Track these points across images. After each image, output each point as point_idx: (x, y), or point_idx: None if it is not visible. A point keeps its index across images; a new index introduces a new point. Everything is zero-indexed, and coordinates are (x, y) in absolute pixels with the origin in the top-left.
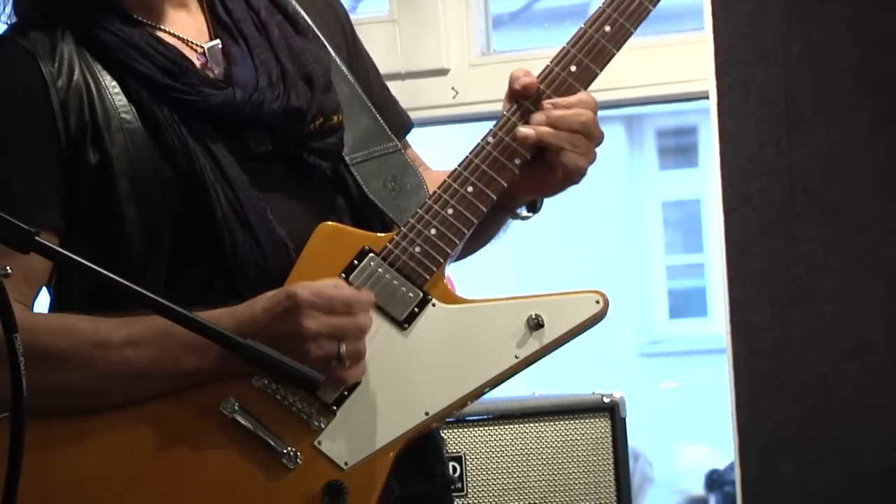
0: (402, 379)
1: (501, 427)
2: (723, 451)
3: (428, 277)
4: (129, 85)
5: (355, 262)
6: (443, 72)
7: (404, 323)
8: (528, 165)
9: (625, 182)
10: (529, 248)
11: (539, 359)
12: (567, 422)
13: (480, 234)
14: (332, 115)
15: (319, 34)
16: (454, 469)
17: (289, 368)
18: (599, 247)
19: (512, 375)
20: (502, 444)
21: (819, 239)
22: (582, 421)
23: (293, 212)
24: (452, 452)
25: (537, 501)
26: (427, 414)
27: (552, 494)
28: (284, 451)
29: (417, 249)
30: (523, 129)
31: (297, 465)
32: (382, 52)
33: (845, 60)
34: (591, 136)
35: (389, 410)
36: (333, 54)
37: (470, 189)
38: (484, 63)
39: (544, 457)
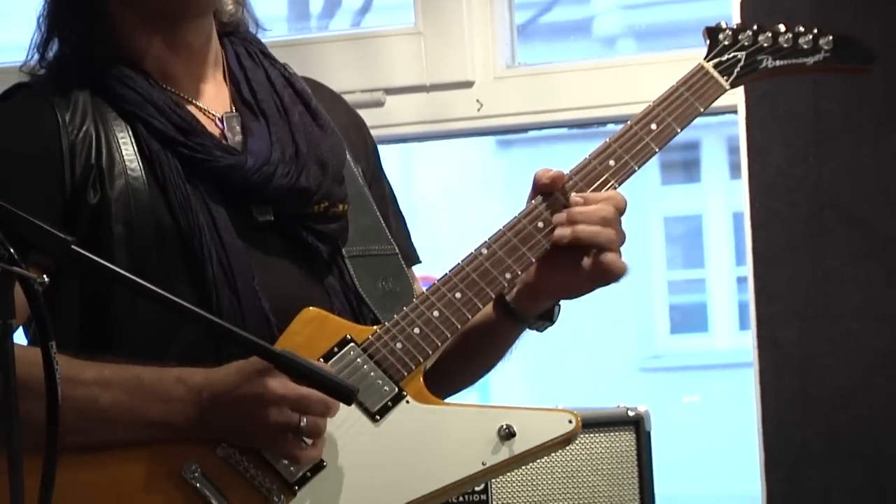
0: (367, 470)
1: None
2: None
3: (406, 374)
4: (141, 135)
5: (335, 349)
6: (467, 84)
7: (376, 415)
8: (550, 265)
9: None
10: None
11: (505, 470)
12: (592, 435)
13: (496, 348)
14: (337, 203)
15: (340, 135)
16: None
17: (324, 379)
18: None
19: (477, 482)
20: None
21: (847, 254)
22: (607, 434)
23: (284, 285)
24: None
25: None
26: None
27: None
28: None
29: (399, 346)
30: (559, 232)
31: None
32: (407, 65)
33: (874, 75)
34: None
35: (350, 498)
36: (349, 156)
37: (458, 295)
38: (509, 76)
39: (569, 470)
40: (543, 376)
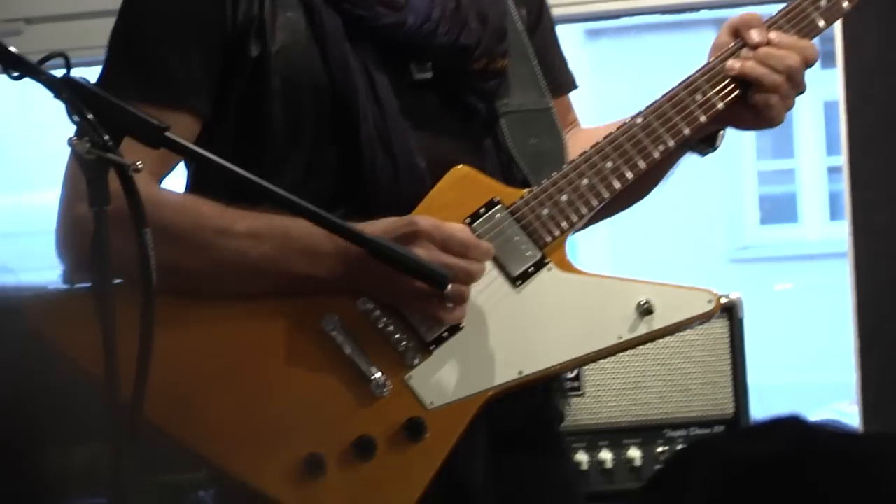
0: (503, 334)
1: None
2: (822, 362)
3: (549, 241)
4: None
5: (482, 210)
6: None
7: (517, 280)
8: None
9: None
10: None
11: (641, 344)
12: None
13: (656, 174)
14: (497, 59)
15: None
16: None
17: (416, 264)
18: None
19: (611, 355)
20: None
21: None
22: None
23: (439, 145)
24: None
25: (654, 401)
26: (520, 373)
27: (669, 395)
28: (374, 378)
29: (545, 212)
30: (730, 62)
31: (384, 394)
32: None
33: None
34: (794, 82)
35: (484, 362)
36: (510, 1)
37: (609, 164)
38: None
39: (662, 357)
40: (633, 268)
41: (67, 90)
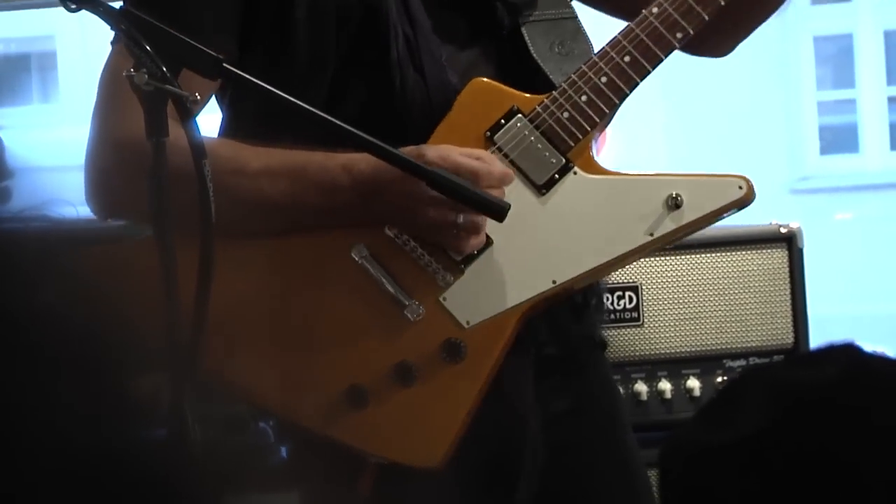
0: (533, 244)
1: (677, 257)
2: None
3: (573, 144)
4: None
5: (502, 121)
6: None
7: (543, 188)
8: None
9: (776, 15)
10: (680, 81)
11: (675, 240)
12: (743, 252)
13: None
14: None
15: None
16: (630, 299)
17: (473, 195)
18: (750, 81)
19: (644, 253)
20: (678, 274)
21: None
22: (758, 251)
23: (469, 61)
24: (628, 282)
25: (713, 331)
26: (555, 282)
27: (728, 325)
28: (408, 302)
29: (566, 115)
30: None
31: (419, 317)
32: None
33: None
34: None
35: (517, 274)
36: None
37: (627, 59)
38: None
39: (720, 287)
40: None
41: (125, 21)
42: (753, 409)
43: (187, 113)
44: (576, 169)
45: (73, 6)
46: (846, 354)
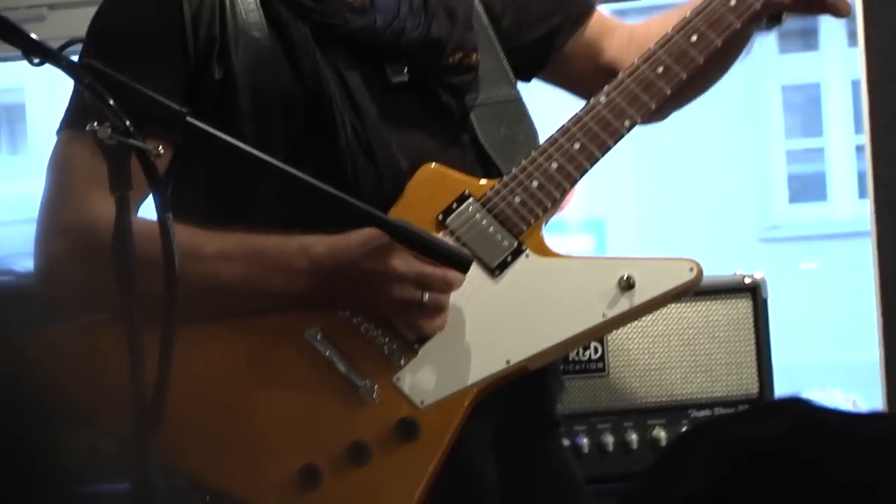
0: (487, 325)
1: None
2: (839, 336)
3: (524, 228)
4: (269, 2)
5: (454, 205)
6: None
7: (496, 270)
8: None
9: (744, 65)
10: (649, 131)
11: (627, 320)
12: (708, 302)
13: (731, 54)
14: (471, 52)
15: None
16: (595, 349)
17: (438, 247)
18: (718, 131)
19: (598, 334)
20: (643, 324)
21: None
22: (723, 302)
23: (419, 145)
24: None
25: (678, 382)
26: (508, 363)
27: (693, 375)
28: (361, 383)
29: (517, 199)
30: None
31: (373, 398)
32: None
33: None
34: None
35: (471, 355)
36: None
37: (577, 146)
38: None
39: (686, 337)
40: (662, 249)
41: (87, 75)
42: (703, 465)
43: (151, 167)
44: (528, 252)
45: (36, 60)
46: (795, 408)
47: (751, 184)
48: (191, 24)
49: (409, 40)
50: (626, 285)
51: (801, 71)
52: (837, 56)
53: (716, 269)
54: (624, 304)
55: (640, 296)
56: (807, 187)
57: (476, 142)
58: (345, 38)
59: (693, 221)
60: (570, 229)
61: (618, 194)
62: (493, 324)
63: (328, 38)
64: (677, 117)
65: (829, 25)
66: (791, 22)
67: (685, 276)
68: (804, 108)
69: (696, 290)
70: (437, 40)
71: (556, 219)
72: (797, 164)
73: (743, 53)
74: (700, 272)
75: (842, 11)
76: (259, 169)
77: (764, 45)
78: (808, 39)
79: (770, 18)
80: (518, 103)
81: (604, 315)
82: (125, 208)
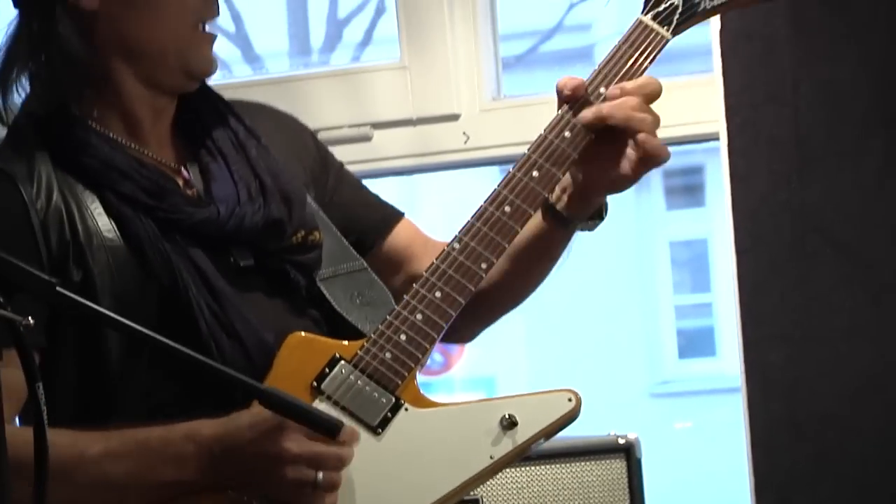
0: (376, 483)
1: (518, 469)
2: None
3: (399, 382)
4: (111, 203)
5: (326, 369)
6: (454, 117)
7: (378, 428)
8: (593, 163)
9: (632, 222)
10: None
11: (515, 458)
12: (583, 463)
13: (550, 257)
14: (314, 230)
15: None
16: None
17: (309, 415)
18: (607, 287)
19: (489, 476)
20: (519, 486)
21: (832, 278)
22: (597, 462)
23: (279, 317)
24: (469, 497)
25: None
26: None
27: None
28: None
29: (388, 355)
30: (583, 113)
31: None
32: (393, 99)
33: (855, 100)
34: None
35: None
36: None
37: (438, 294)
38: (495, 108)
39: (561, 499)
40: None
41: None
42: None
43: (20, 338)
44: (406, 405)
45: None
46: None
47: (641, 339)
48: (41, 232)
49: (251, 225)
50: (509, 424)
51: (687, 226)
52: (723, 211)
53: (610, 425)
54: (508, 444)
55: (524, 433)
56: (695, 342)
57: (333, 311)
58: (189, 229)
59: (584, 377)
60: (458, 387)
61: (508, 351)
62: (382, 482)
63: (174, 231)
64: (567, 272)
65: (714, 181)
66: (676, 179)
67: (565, 407)
68: (692, 263)
69: (577, 418)
70: (278, 221)
71: (444, 377)
72: (685, 320)
73: (564, 254)
74: (579, 401)
75: (662, 158)
76: (132, 338)
77: (651, 201)
78: (695, 195)
79: (592, 217)
80: (366, 272)
81: (491, 457)
82: None
